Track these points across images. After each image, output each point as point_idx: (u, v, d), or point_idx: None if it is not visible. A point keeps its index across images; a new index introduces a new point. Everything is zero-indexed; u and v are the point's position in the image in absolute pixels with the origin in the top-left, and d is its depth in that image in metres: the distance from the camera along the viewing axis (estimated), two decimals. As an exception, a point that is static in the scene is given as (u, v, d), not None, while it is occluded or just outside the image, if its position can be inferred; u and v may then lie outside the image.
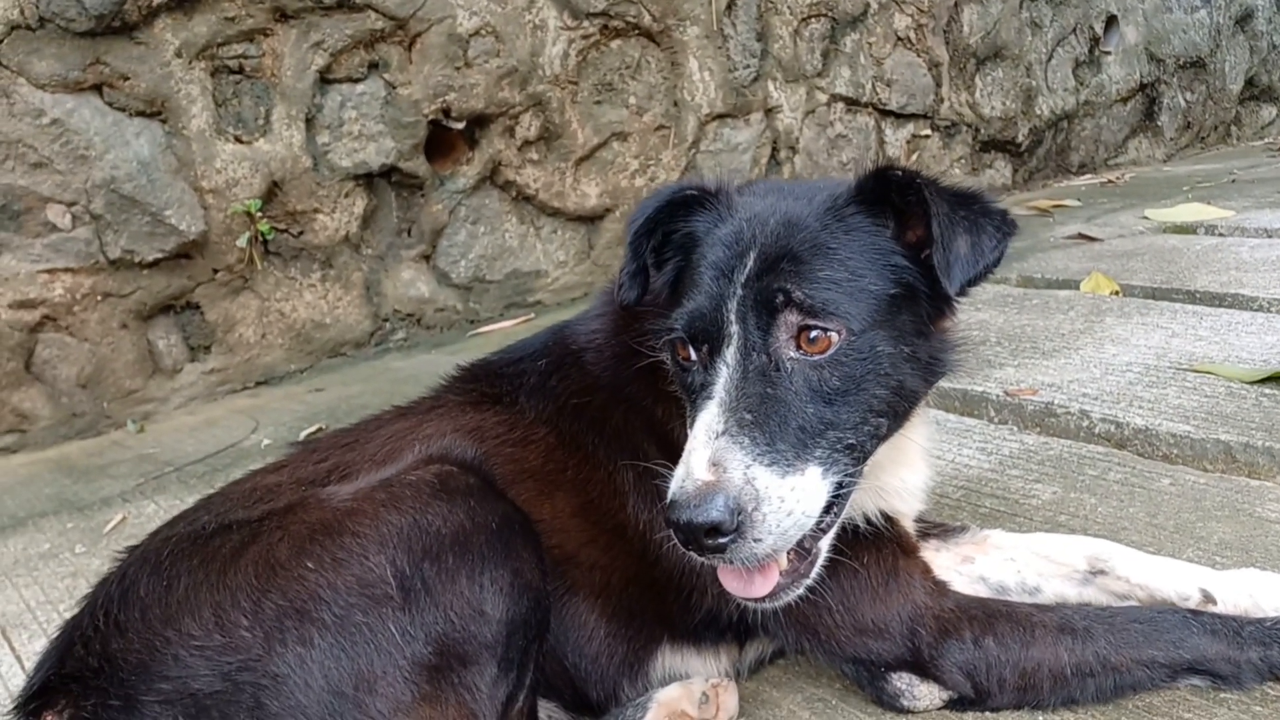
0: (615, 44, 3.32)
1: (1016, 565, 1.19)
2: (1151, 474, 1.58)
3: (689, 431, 0.94)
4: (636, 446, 1.10)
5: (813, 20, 3.81)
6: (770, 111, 3.76)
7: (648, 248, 1.07)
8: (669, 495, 0.88)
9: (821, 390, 0.94)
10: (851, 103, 3.99)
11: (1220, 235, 3.29)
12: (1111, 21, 4.88)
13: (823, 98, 3.91)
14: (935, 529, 1.25)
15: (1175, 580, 1.13)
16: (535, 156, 3.27)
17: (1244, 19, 5.61)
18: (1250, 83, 5.81)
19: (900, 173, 0.99)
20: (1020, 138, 4.63)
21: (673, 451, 1.01)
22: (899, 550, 1.08)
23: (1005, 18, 4.44)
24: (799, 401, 0.93)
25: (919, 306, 1.00)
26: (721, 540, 0.86)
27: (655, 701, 1.07)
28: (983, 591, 1.18)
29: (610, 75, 3.33)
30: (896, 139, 4.18)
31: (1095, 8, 4.80)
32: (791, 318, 0.94)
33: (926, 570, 1.09)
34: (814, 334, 0.94)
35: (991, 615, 1.04)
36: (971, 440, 1.81)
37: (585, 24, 3.22)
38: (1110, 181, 4.71)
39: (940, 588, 1.07)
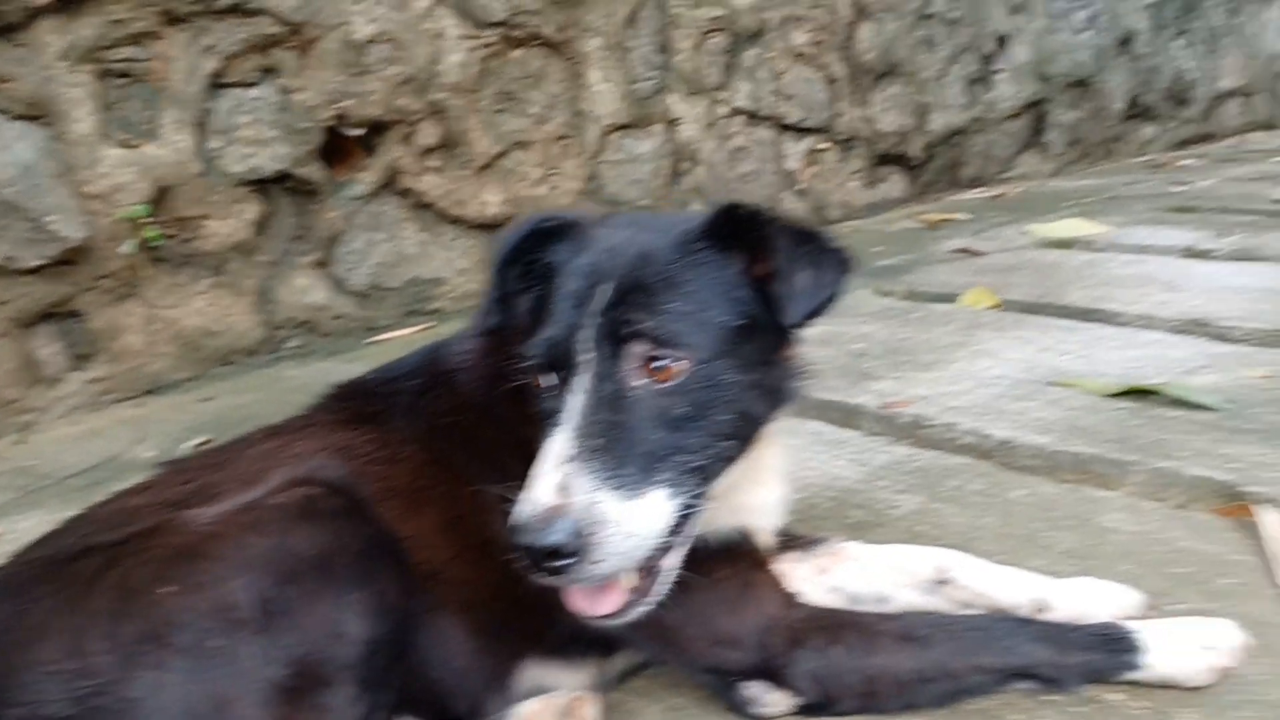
0: (517, 53, 3.34)
1: (869, 575, 1.25)
2: (1008, 485, 1.67)
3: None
4: (504, 465, 1.13)
5: (713, 34, 3.88)
6: (672, 123, 3.82)
7: (510, 276, 1.10)
8: (514, 519, 0.91)
9: (668, 417, 0.98)
10: (752, 116, 4.08)
11: (1097, 251, 3.46)
12: (1002, 41, 5.07)
13: (724, 110, 3.98)
14: (796, 541, 1.30)
15: (1013, 589, 1.21)
16: (435, 164, 3.26)
17: (1125, 41, 5.88)
18: (1132, 102, 6.09)
19: (747, 210, 1.05)
20: (915, 152, 4.79)
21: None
22: (753, 564, 1.13)
23: (900, 36, 4.58)
24: (646, 428, 0.97)
25: (763, 337, 1.05)
26: (564, 563, 0.89)
27: (516, 716, 1.10)
28: (837, 601, 1.24)
29: (512, 84, 3.35)
30: (796, 151, 4.28)
31: (986, 28, 4.98)
32: (640, 348, 0.98)
33: (779, 583, 1.14)
34: (661, 363, 0.98)
35: (839, 625, 1.10)
36: (846, 452, 1.88)
37: (485, 33, 3.23)
38: (1000, 195, 4.90)
39: (791, 599, 1.12)
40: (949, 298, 2.90)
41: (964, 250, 3.57)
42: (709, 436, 1.00)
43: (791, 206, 4.30)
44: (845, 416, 2.07)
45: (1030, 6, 5.21)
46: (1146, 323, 2.50)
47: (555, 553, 0.88)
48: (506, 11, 3.26)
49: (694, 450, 0.99)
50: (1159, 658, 1.08)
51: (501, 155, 3.38)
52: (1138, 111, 6.17)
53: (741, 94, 4.03)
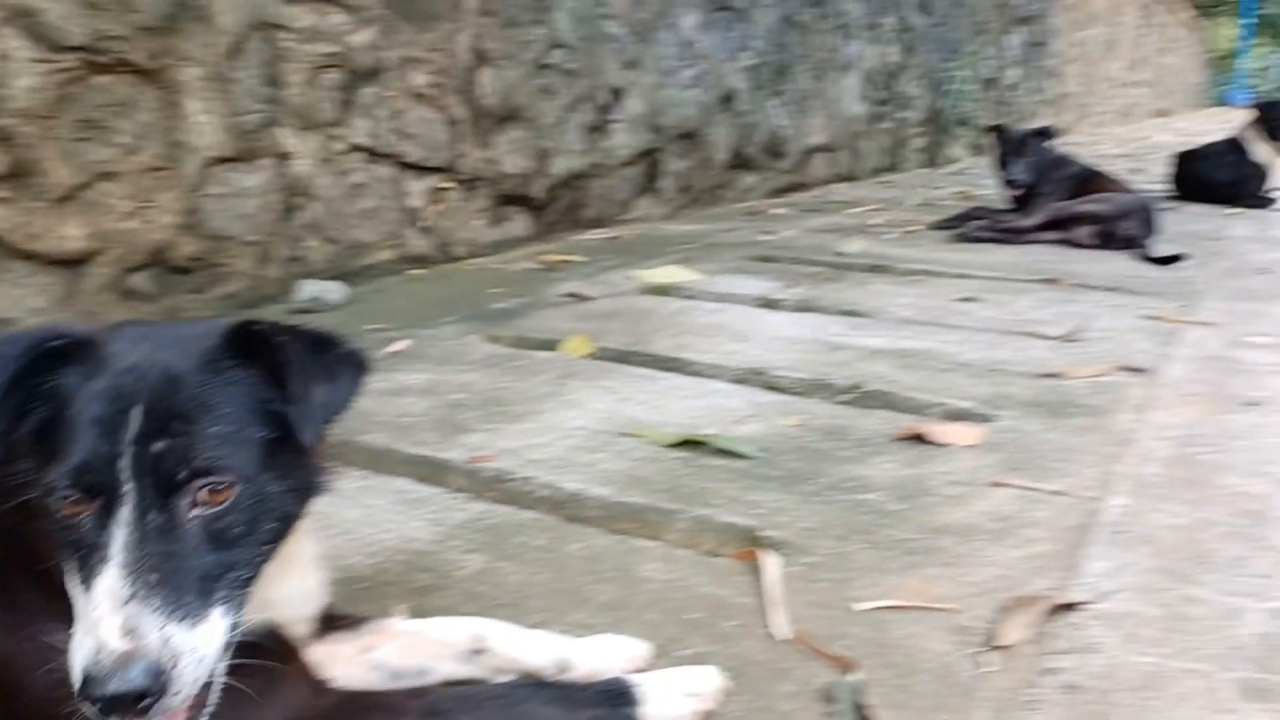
0: (101, 80, 3.09)
1: (411, 650, 1.32)
2: (568, 539, 1.81)
3: (85, 592, 0.94)
4: (7, 581, 1.07)
5: (327, 70, 3.82)
6: (283, 157, 3.71)
7: (13, 403, 1.02)
8: (80, 670, 0.89)
9: (220, 539, 0.99)
10: (371, 153, 4.06)
11: (687, 298, 3.81)
12: (617, 94, 5.42)
13: (340, 146, 3.93)
14: (342, 621, 1.33)
15: (539, 652, 1.32)
16: (3, 194, 2.94)
17: (727, 99, 6.51)
18: (735, 154, 6.74)
19: (259, 327, 1.07)
20: (537, 193, 4.99)
21: (50, 588, 1.02)
22: (281, 657, 1.15)
23: (520, 83, 4.77)
24: (200, 554, 0.98)
25: (296, 442, 1.07)
26: (146, 703, 0.89)
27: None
28: (379, 679, 1.29)
29: (96, 112, 3.09)
30: (419, 190, 4.31)
31: (602, 81, 5.31)
32: (184, 476, 0.98)
33: (307, 672, 1.17)
34: (208, 489, 0.99)
35: (366, 708, 1.15)
36: (425, 511, 1.94)
37: (62, 57, 2.97)
38: (617, 237, 5.23)
39: (320, 687, 1.16)
40: (551, 344, 3.07)
41: (574, 294, 3.79)
42: (256, 548, 1.04)
43: (416, 243, 4.33)
44: (433, 472, 2.13)
45: (642, 63, 5.63)
46: (714, 372, 2.80)
47: (141, 696, 0.88)
48: (87, 36, 3.02)
49: (244, 565, 1.02)
50: (653, 708, 1.23)
51: (84, 186, 3.11)
52: (740, 162, 6.84)
53: (360, 130, 4.00)
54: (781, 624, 1.50)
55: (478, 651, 1.32)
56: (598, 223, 5.49)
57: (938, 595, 1.60)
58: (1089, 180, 5.18)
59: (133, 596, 0.91)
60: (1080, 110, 17.29)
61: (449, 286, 4.00)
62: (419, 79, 4.24)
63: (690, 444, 2.22)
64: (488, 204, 4.70)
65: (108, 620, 0.90)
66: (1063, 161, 5.38)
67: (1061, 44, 15.23)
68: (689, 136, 6.21)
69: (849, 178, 8.57)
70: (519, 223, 4.93)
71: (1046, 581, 1.63)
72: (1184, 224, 5.78)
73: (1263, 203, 6.55)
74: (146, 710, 0.89)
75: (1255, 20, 41.22)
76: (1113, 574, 1.66)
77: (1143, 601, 1.57)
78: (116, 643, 0.88)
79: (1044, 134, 5.38)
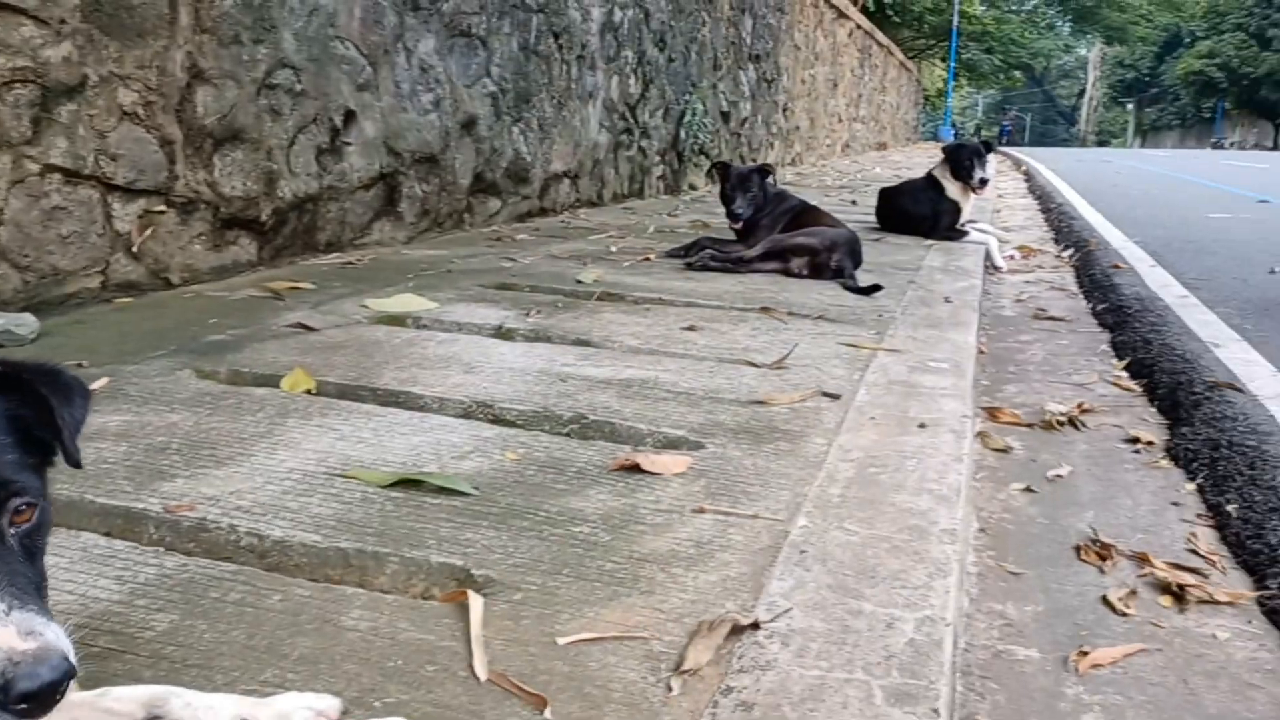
0: None
1: (78, 727, 1.24)
2: (268, 591, 1.76)
3: None
4: None
5: (17, 86, 3.51)
6: (-36, 178, 3.37)
7: None
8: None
9: (32, 556, 1.08)
10: (71, 175, 3.75)
11: (420, 328, 3.78)
12: (350, 116, 5.30)
13: (35, 167, 3.61)
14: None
15: (220, 714, 1.28)
16: None
17: (468, 124, 6.51)
18: (478, 178, 6.75)
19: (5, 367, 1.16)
20: (264, 217, 4.79)
21: None
22: None
23: (242, 103, 4.56)
24: (28, 568, 1.06)
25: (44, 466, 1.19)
26: (63, 689, 0.95)
27: None
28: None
29: None
30: (127, 214, 4.03)
31: (334, 102, 5.17)
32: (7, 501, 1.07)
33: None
34: (17, 509, 1.07)
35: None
36: (113, 567, 1.82)
37: None
38: (352, 263, 5.11)
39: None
40: (271, 380, 2.96)
41: (300, 325, 3.66)
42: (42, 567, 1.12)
43: (125, 270, 4.04)
44: (125, 524, 2.00)
45: (377, 86, 5.53)
46: (440, 407, 2.80)
47: (60, 684, 0.94)
48: None
49: (43, 581, 1.11)
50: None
51: None
52: (483, 187, 6.86)
53: (57, 151, 3.69)
54: (482, 665, 1.53)
55: (154, 719, 1.26)
56: (333, 247, 5.34)
57: (635, 624, 1.68)
58: (803, 214, 5.61)
59: (11, 608, 0.97)
60: (808, 143, 18.61)
61: (161, 316, 3.76)
62: (127, 97, 3.97)
63: (408, 483, 2.21)
64: (207, 228, 4.46)
65: (2, 631, 0.95)
66: (781, 197, 5.79)
67: (790, 81, 16.34)
68: (429, 160, 6.17)
69: (593, 203, 8.79)
70: (244, 247, 4.71)
71: (735, 604, 1.75)
72: (887, 254, 6.37)
73: (954, 235, 7.31)
74: (61, 696, 0.96)
75: (956, 64, 46.06)
76: (789, 593, 1.81)
77: (813, 617, 1.72)
78: (24, 644, 0.94)
79: (763, 171, 5.77)
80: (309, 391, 2.88)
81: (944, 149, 7.58)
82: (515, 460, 2.42)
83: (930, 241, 7.13)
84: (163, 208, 4.19)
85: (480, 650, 1.57)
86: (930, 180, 7.42)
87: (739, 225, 5.62)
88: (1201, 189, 17.94)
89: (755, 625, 1.67)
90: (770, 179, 5.76)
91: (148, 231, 4.13)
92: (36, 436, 1.17)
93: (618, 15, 8.93)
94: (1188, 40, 67.30)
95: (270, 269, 4.80)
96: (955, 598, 1.85)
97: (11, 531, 1.07)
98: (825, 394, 3.06)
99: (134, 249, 4.09)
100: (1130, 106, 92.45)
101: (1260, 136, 64.00)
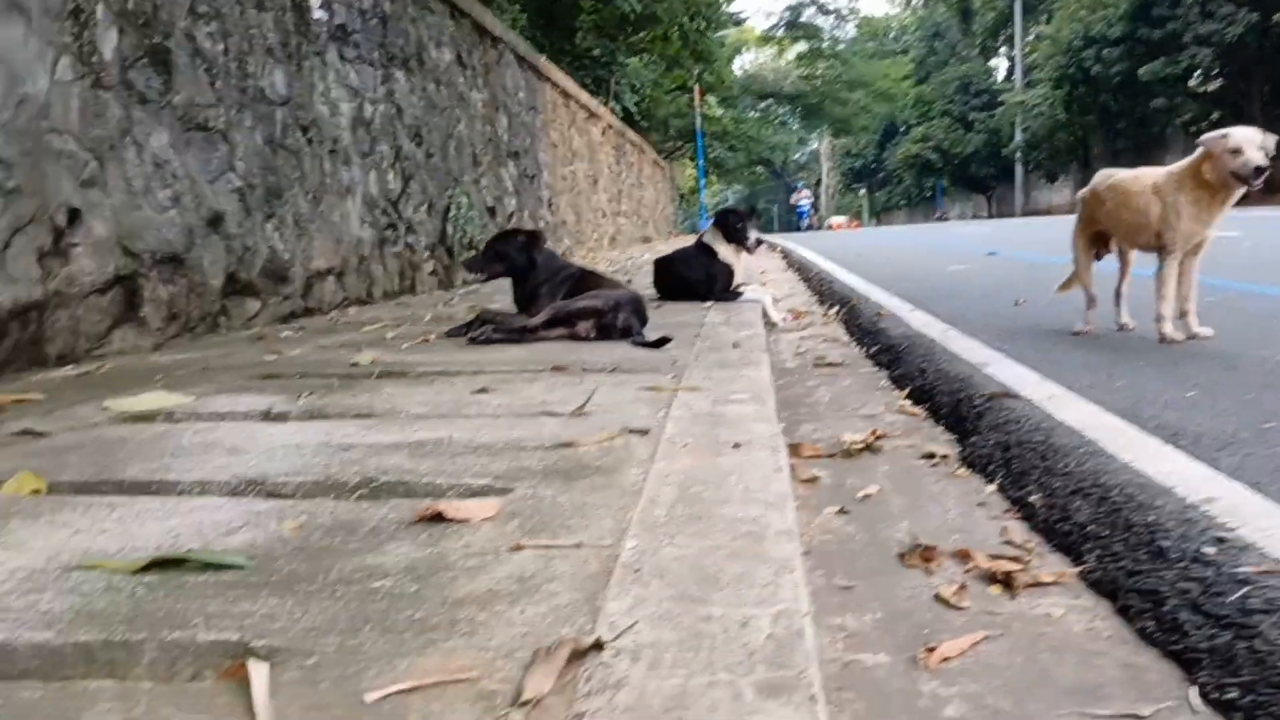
0: None
1: None
2: (-20, 703, 1.38)
3: None
4: None
5: None
6: None
7: None
8: None
9: None
10: None
11: (175, 422, 3.35)
12: (75, 214, 4.80)
13: None
14: None
15: None
16: None
17: (214, 221, 6.08)
18: (231, 278, 6.29)
19: None
20: (-21, 329, 4.19)
21: None
22: None
23: (-59, 199, 4.01)
24: None
25: None
26: None
27: None
28: None
29: None
30: None
31: (55, 200, 4.67)
32: None
33: None
34: None
35: None
36: None
37: None
38: (90, 372, 4.55)
39: None
40: (-13, 488, 2.48)
41: (27, 431, 3.16)
42: None
43: None
44: None
45: (105, 182, 5.05)
46: (200, 489, 2.43)
47: None
48: None
49: None
50: None
51: None
52: (239, 287, 6.39)
53: None
54: (272, 738, 1.23)
55: None
56: (65, 359, 4.74)
57: (458, 667, 1.43)
58: (582, 280, 5.54)
59: None
60: (576, 237, 18.94)
61: None
62: None
63: (165, 565, 1.85)
64: (-95, 343, 3.84)
65: None
66: (556, 265, 5.72)
67: (551, 177, 16.63)
68: (173, 260, 5.67)
69: (362, 301, 8.42)
70: (-43, 364, 4.08)
71: (571, 629, 1.53)
72: (670, 315, 6.40)
73: (730, 296, 7.48)
74: None
75: (704, 161, 48.90)
76: (630, 610, 1.61)
77: (662, 629, 1.53)
78: None
79: (531, 236, 5.69)
80: (35, 492, 2.43)
81: (716, 214, 7.82)
82: (296, 529, 2.10)
83: (709, 303, 7.26)
84: None
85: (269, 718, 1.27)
86: (701, 246, 7.60)
87: (484, 277, 5.58)
88: (937, 249, 19.59)
89: (598, 645, 1.46)
90: (539, 246, 5.68)
91: None
92: None
93: (368, 110, 8.74)
94: (903, 128, 74.77)
95: (-11, 387, 4.18)
96: (805, 591, 1.70)
97: None
98: (632, 430, 2.91)
99: None
100: (862, 191, 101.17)
101: (976, 208, 71.48)
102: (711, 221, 7.57)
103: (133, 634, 1.55)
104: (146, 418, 3.42)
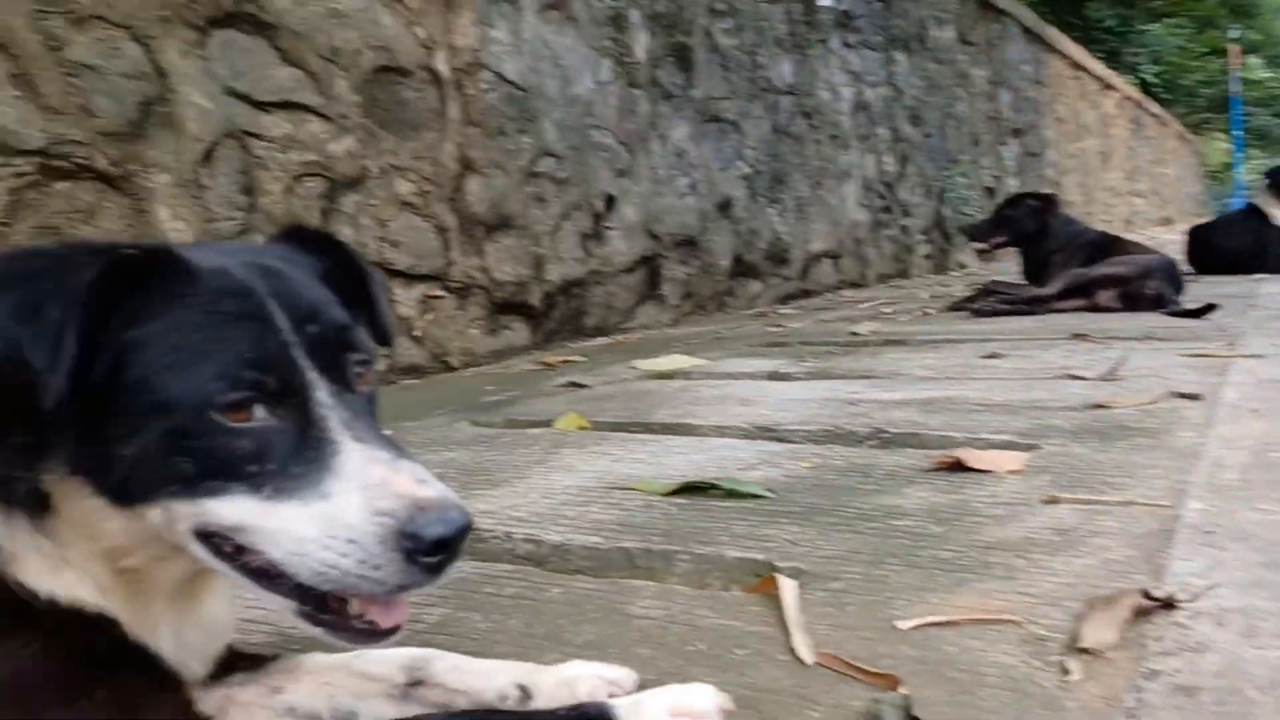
0: (62, 185, 2.98)
1: (331, 689, 1.03)
2: (546, 585, 1.52)
3: (312, 485, 0.84)
4: None
5: (307, 179, 3.73)
6: (263, 266, 3.57)
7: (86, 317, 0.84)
8: (406, 527, 0.82)
9: (374, 414, 0.96)
10: (356, 261, 3.92)
11: (693, 379, 3.57)
12: (611, 201, 5.34)
13: (324, 255, 3.79)
14: (244, 661, 1.06)
15: (494, 680, 1.04)
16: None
17: (724, 206, 6.44)
18: (737, 260, 6.63)
19: (312, 231, 1.10)
20: (534, 301, 4.84)
21: None
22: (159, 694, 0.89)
23: (510, 191, 4.68)
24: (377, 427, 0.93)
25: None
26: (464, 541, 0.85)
27: None
28: (291, 725, 1.01)
29: (56, 218, 2.97)
30: (409, 298, 4.16)
31: (595, 189, 5.24)
32: (346, 356, 0.93)
33: (187, 706, 0.90)
34: (360, 366, 0.95)
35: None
36: (384, 574, 1.66)
37: (17, 162, 2.86)
38: (619, 342, 5.04)
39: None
40: (544, 423, 2.82)
41: (571, 384, 3.56)
42: None
43: (408, 352, 4.14)
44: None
45: (635, 171, 5.58)
46: (719, 432, 2.54)
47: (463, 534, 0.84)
48: (44, 140, 2.92)
49: None
50: (630, 728, 0.94)
51: (47, 296, 2.95)
52: (743, 269, 6.72)
53: (344, 238, 3.87)
54: (806, 647, 1.20)
55: (415, 684, 1.03)
56: (600, 330, 5.31)
57: (998, 608, 1.30)
58: (1106, 245, 4.99)
59: (397, 455, 0.86)
60: (1083, 218, 17.36)
61: (442, 390, 3.78)
62: (404, 187, 4.15)
63: (692, 491, 1.94)
64: (483, 312, 4.54)
65: (395, 480, 0.84)
66: (1074, 229, 5.21)
67: (1056, 155, 15.41)
68: (689, 243, 6.11)
69: (856, 284, 8.44)
70: (518, 331, 4.75)
71: (1128, 585, 1.33)
72: (1210, 289, 5.55)
73: (1288, 268, 6.32)
74: (446, 568, 0.85)
75: (1243, 133, 42.15)
76: (1206, 572, 1.35)
77: (1254, 596, 1.27)
78: (424, 491, 0.84)
79: (1043, 199, 5.24)
80: (581, 428, 2.71)
81: (1269, 172, 6.64)
82: (810, 468, 2.09)
83: (1258, 276, 6.19)
84: (441, 292, 4.31)
85: (802, 634, 1.24)
86: (1251, 210, 6.49)
87: (987, 247, 5.16)
88: None
89: (1169, 604, 1.24)
90: (1062, 210, 5.21)
91: (429, 315, 4.24)
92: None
93: (868, 94, 8.73)
94: None
95: (541, 352, 4.80)
96: None
97: (360, 389, 0.94)
98: (1181, 395, 2.52)
99: (416, 333, 4.19)
100: None
101: None
102: (1267, 183, 6.43)
103: (668, 545, 1.63)
104: (668, 375, 3.69)
